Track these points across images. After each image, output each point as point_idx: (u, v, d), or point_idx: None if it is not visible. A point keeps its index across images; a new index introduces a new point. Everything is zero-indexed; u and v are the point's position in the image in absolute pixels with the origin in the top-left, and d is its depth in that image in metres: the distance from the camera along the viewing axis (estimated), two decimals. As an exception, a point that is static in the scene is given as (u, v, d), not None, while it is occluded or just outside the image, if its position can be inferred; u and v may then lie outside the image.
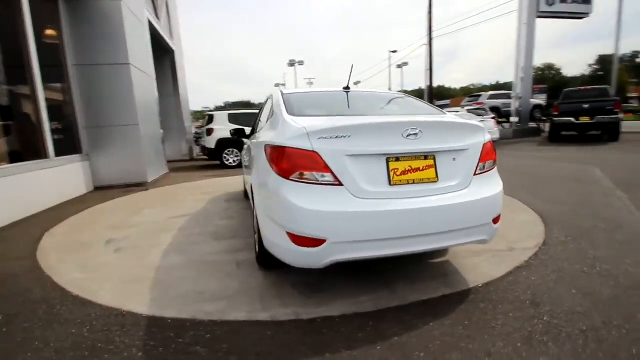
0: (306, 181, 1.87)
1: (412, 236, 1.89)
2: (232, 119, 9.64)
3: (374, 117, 2.15)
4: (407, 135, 1.93)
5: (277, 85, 51.49)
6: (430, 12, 28.25)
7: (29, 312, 2.13)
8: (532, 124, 16.61)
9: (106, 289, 2.39)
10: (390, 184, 1.91)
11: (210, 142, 9.48)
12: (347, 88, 2.96)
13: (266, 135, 2.45)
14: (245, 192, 5.03)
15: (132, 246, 3.28)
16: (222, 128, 9.51)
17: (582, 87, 14.59)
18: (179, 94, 11.61)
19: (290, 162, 1.89)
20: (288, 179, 1.89)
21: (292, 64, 39.25)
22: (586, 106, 12.32)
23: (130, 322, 1.97)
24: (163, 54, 10.40)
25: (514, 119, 16.45)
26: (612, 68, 17.95)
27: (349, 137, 1.88)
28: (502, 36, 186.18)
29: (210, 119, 9.85)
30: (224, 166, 9.62)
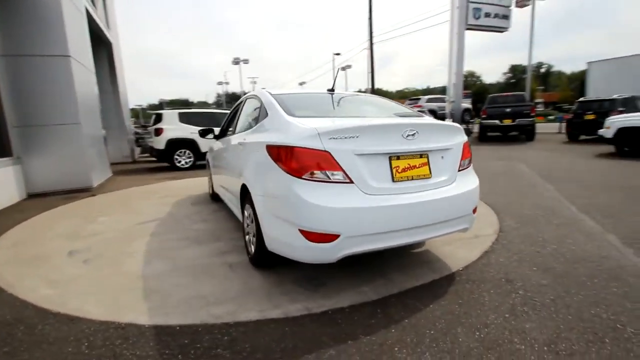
0: (318, 179, 1.95)
1: (413, 227, 2.09)
2: (184, 118, 9.15)
3: (377, 119, 2.31)
4: (407, 136, 2.12)
5: (220, 83, 49.53)
6: (370, 18, 29.67)
7: (4, 335, 1.88)
8: (463, 126, 18.44)
9: (91, 303, 2.20)
10: (393, 181, 2.08)
11: (160, 143, 8.88)
12: (331, 90, 3.08)
13: (262, 136, 2.46)
14: (214, 194, 4.87)
15: (102, 256, 3.02)
16: (173, 128, 8.98)
17: (504, 93, 16.66)
18: (117, 90, 10.62)
19: (302, 162, 1.96)
20: (300, 177, 1.96)
21: (236, 62, 38.10)
22: (508, 110, 14.16)
23: (134, 334, 1.86)
24: (99, 46, 9.45)
25: (448, 121, 18.07)
26: (522, 76, 20.65)
27: (357, 137, 2.01)
28: (432, 44, 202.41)
29: (159, 117, 9.23)
30: (174, 168, 9.09)
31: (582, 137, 13.08)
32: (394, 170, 2.09)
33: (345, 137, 1.99)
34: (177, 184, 6.85)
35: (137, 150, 12.66)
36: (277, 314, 2.02)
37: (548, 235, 3.22)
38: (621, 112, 10.79)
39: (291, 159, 2.00)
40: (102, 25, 8.95)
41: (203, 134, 4.42)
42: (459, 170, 2.37)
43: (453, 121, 17.39)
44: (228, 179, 3.49)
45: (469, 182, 2.41)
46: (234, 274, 2.57)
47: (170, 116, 9.12)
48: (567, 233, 3.24)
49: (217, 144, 4.42)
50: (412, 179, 2.14)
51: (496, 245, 3.02)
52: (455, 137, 2.40)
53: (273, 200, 2.17)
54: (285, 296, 2.22)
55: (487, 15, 18.62)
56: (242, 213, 2.88)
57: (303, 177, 1.96)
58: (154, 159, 10.82)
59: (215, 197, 4.92)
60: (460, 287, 2.30)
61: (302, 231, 1.96)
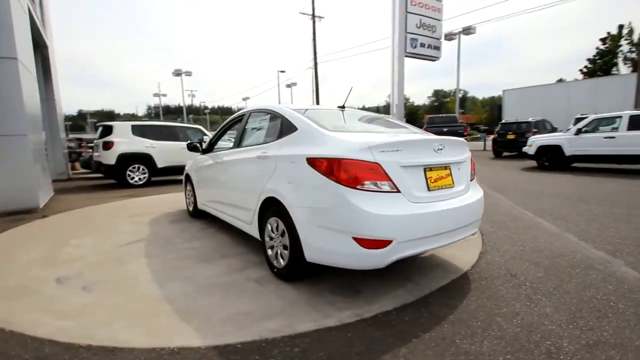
0: (369, 190, 2.10)
1: (446, 232, 2.33)
2: (137, 131, 8.49)
3: (411, 135, 2.54)
4: (437, 150, 2.39)
5: (156, 95, 46.50)
6: (314, 39, 30.90)
7: (37, 377, 1.63)
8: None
9: (123, 331, 2.00)
10: (428, 190, 2.31)
11: (109, 158, 8.08)
12: (342, 107, 3.26)
13: (296, 149, 2.51)
14: (197, 211, 4.64)
15: (102, 281, 2.72)
16: (125, 141, 8.27)
17: (440, 115, 18.68)
18: (53, 98, 9.45)
19: (356, 173, 2.09)
20: (355, 188, 2.08)
21: (178, 73, 36.22)
22: (445, 129, 15.90)
23: (194, 357, 1.76)
24: (35, 49, 8.40)
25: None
26: (443, 100, 23.36)
27: (400, 150, 2.21)
28: (367, 68, 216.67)
29: (107, 130, 8.42)
30: (125, 185, 8.31)
31: (505, 153, 15.23)
32: (429, 180, 2.33)
33: (391, 151, 2.18)
34: (141, 202, 6.30)
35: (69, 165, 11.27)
36: (332, 323, 2.07)
37: (521, 236, 3.74)
38: (535, 133, 12.87)
39: (345, 171, 2.11)
40: (39, 24, 8.01)
41: (193, 148, 4.24)
42: (470, 181, 2.71)
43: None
44: (233, 193, 3.41)
45: (478, 191, 2.76)
46: (265, 289, 2.54)
47: (122, 128, 8.39)
48: (536, 234, 3.81)
49: (205, 159, 4.27)
50: (441, 188, 2.40)
51: (486, 247, 3.43)
52: (466, 151, 2.74)
53: (319, 211, 2.24)
54: (330, 305, 2.27)
55: (422, 45, 20.84)
56: (263, 227, 2.85)
57: (357, 187, 2.08)
58: (92, 175, 9.79)
59: (197, 214, 4.69)
60: (478, 284, 2.59)
61: (356, 239, 2.07)
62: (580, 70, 32.65)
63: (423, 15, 20.13)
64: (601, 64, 30.08)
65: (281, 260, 2.63)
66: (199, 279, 2.74)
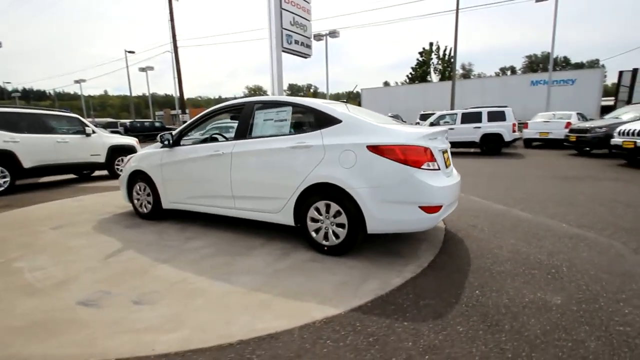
0: (426, 168, 2.73)
1: (453, 201, 3.18)
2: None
3: (434, 127, 3.24)
4: (445, 138, 3.21)
5: None
6: (172, 20, 28.20)
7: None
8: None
9: (257, 322, 2.01)
10: (446, 168, 3.11)
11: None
12: (345, 101, 3.70)
13: (347, 138, 2.85)
14: (158, 210, 4.14)
15: (146, 293, 2.39)
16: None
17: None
18: None
19: (419, 156, 2.68)
20: (420, 168, 2.66)
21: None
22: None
23: (346, 321, 2.02)
24: None
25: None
26: (298, 94, 25.52)
27: (436, 139, 2.92)
28: (220, 57, 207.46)
29: None
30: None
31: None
32: (446, 161, 3.13)
33: (433, 138, 2.87)
34: (36, 213, 4.87)
35: None
36: (408, 275, 2.61)
37: (504, 223, 4.09)
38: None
39: (411, 154, 2.66)
40: None
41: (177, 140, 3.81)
42: (451, 164, 3.67)
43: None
44: (248, 185, 3.37)
45: (457, 173, 3.75)
46: (330, 265, 2.81)
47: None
48: (513, 218, 4.20)
49: (177, 153, 3.90)
50: (447, 167, 3.25)
51: (464, 231, 4.56)
52: (447, 140, 3.68)
53: (385, 189, 2.71)
54: (392, 265, 2.78)
55: (297, 42, 21.99)
56: (301, 213, 3.05)
57: (420, 167, 2.67)
58: None
59: (158, 215, 4.19)
60: (485, 257, 3.60)
61: (422, 207, 2.68)
62: (407, 75, 41.38)
63: (295, 14, 21.23)
64: (420, 72, 39.10)
65: (333, 239, 2.96)
66: (258, 269, 2.76)
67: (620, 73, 19.94)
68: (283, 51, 22.07)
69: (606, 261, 2.81)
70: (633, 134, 7.82)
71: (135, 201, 4.42)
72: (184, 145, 4.04)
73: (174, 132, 3.97)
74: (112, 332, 1.92)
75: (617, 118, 10.51)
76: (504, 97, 19.57)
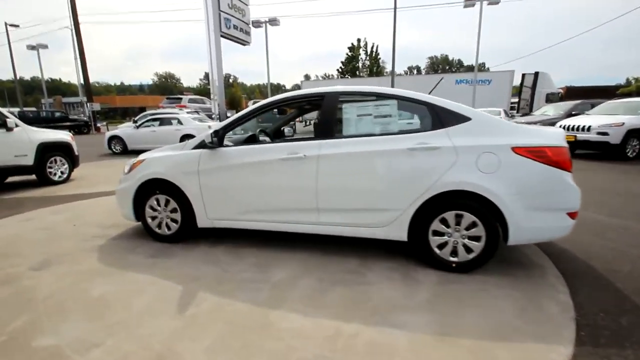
0: (571, 171, 2.52)
1: None
2: None
3: None
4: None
5: None
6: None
7: None
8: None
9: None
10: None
11: None
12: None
13: (480, 139, 2.48)
14: (190, 228, 3.20)
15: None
16: None
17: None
18: None
19: (568, 158, 2.45)
20: (569, 170, 2.44)
21: None
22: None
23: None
24: None
25: (215, 121, 18.40)
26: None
27: None
28: (122, 37, 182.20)
29: None
30: None
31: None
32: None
33: (564, 138, 2.68)
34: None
35: None
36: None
37: None
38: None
39: (563, 157, 2.42)
40: None
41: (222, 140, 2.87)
42: None
43: (220, 120, 17.83)
44: (349, 194, 2.73)
45: None
46: (485, 288, 2.44)
47: None
48: None
49: (223, 156, 3.01)
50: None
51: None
52: None
53: (535, 195, 2.42)
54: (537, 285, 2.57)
55: (235, 27, 20.29)
56: (420, 226, 2.60)
57: (570, 170, 2.46)
58: None
59: (186, 236, 3.25)
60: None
61: (569, 213, 2.47)
62: (337, 69, 42.20)
63: (232, -3, 19.62)
64: (350, 67, 40.24)
65: (465, 254, 2.58)
66: (401, 302, 2.23)
67: (523, 75, 23.49)
68: (222, 36, 20.28)
69: None
70: (574, 128, 9.11)
71: (150, 220, 3.32)
72: (228, 146, 3.14)
73: (216, 129, 3.02)
74: None
75: (545, 115, 12.20)
76: (434, 94, 21.18)
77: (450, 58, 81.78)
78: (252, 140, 3.63)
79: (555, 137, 2.53)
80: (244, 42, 21.58)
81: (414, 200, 2.59)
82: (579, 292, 2.37)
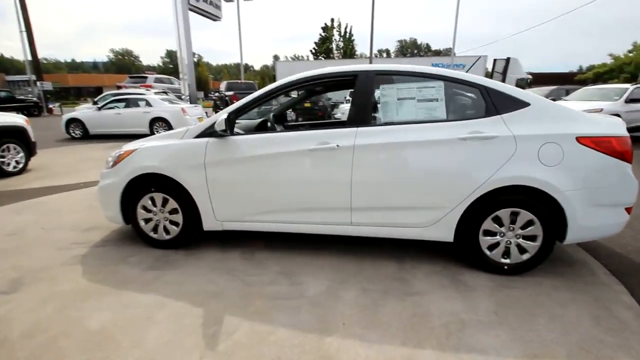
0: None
1: None
2: None
3: None
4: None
5: None
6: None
7: None
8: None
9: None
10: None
11: None
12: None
13: (541, 127, 2.21)
14: (196, 231, 2.72)
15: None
16: None
17: (238, 81, 18.17)
18: None
19: (630, 148, 2.24)
20: (631, 162, 2.24)
21: None
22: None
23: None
24: None
25: (186, 103, 17.07)
26: (177, 62, 18.26)
27: None
28: (69, 9, 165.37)
29: None
30: None
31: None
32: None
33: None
34: None
35: None
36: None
37: None
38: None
39: (627, 147, 2.20)
40: None
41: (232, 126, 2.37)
42: None
43: (191, 102, 16.48)
44: (390, 190, 2.38)
45: None
46: (549, 294, 2.22)
47: None
48: None
49: (236, 145, 2.54)
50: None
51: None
52: None
53: (598, 190, 2.20)
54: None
55: (205, 0, 18.75)
56: (470, 226, 2.33)
57: (631, 161, 2.25)
58: None
59: (188, 240, 2.77)
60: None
61: (627, 208, 2.29)
62: (310, 50, 40.99)
63: (201, -35, 17.95)
64: (324, 48, 39.17)
65: (518, 255, 2.35)
66: (460, 312, 1.94)
67: (495, 61, 24.03)
68: (190, 10, 18.67)
69: None
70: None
71: (143, 222, 2.78)
72: (240, 134, 2.65)
73: (227, 114, 2.51)
74: None
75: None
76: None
77: (419, 42, 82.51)
78: (264, 126, 3.13)
79: (617, 126, 2.31)
80: (214, 17, 20.25)
81: (465, 197, 2.29)
82: (635, 290, 2.22)
